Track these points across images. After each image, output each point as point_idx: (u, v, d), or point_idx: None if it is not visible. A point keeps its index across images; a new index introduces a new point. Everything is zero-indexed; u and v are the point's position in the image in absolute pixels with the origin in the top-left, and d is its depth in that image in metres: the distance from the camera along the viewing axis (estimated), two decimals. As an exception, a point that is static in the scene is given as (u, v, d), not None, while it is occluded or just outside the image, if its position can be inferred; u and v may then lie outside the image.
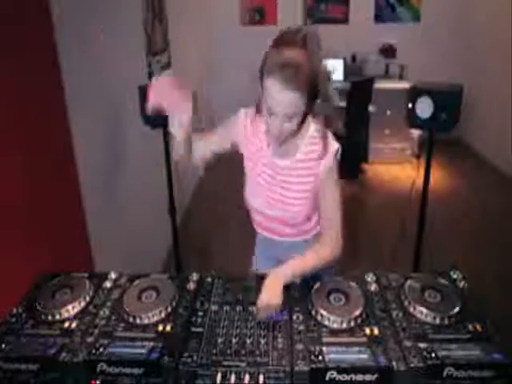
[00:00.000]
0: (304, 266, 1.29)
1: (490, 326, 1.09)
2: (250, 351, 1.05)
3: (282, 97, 1.15)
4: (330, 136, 1.35)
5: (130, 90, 2.28)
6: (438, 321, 1.11)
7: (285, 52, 1.15)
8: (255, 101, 1.35)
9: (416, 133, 4.80)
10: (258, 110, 1.35)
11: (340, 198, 1.37)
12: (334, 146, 1.33)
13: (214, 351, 1.05)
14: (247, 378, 0.98)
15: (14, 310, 1.18)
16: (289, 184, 1.39)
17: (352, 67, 5.15)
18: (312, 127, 1.35)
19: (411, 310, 1.15)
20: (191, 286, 1.27)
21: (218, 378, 0.98)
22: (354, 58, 5.18)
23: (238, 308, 1.19)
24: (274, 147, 1.39)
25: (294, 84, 1.13)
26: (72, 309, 1.17)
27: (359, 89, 4.46)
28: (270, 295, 1.16)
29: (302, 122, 1.28)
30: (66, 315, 1.15)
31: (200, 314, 1.17)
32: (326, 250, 1.35)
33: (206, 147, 1.48)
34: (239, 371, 0.99)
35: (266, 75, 1.17)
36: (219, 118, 1.61)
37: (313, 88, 1.18)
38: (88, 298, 1.21)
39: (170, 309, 1.17)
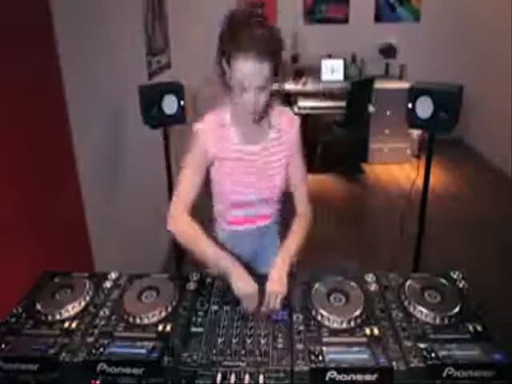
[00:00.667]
0: (297, 241, 1.41)
1: (489, 326, 1.09)
2: (250, 351, 1.05)
3: (256, 70, 1.20)
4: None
5: (130, 89, 2.28)
6: (438, 321, 1.11)
7: (249, 29, 1.20)
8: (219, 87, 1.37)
9: (416, 133, 4.80)
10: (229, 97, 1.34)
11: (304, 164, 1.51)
12: (294, 115, 1.47)
13: (214, 351, 1.05)
14: (247, 378, 0.98)
15: (14, 310, 1.18)
16: (270, 163, 1.43)
17: (352, 67, 5.15)
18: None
19: (411, 310, 1.15)
20: (191, 285, 1.28)
21: (218, 378, 0.98)
22: (353, 58, 5.18)
23: (238, 308, 1.19)
24: (245, 132, 1.40)
25: (265, 57, 1.19)
26: (72, 309, 1.17)
27: (359, 89, 4.46)
28: (276, 283, 1.22)
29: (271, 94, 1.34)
30: (66, 315, 1.15)
31: (200, 313, 1.17)
32: (306, 218, 1.50)
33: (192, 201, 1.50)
34: (239, 371, 0.99)
35: (234, 54, 1.21)
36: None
37: (278, 59, 1.25)
38: (88, 298, 1.21)
39: (170, 309, 1.17)
